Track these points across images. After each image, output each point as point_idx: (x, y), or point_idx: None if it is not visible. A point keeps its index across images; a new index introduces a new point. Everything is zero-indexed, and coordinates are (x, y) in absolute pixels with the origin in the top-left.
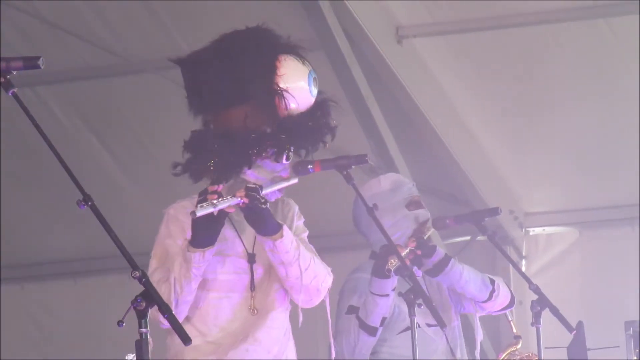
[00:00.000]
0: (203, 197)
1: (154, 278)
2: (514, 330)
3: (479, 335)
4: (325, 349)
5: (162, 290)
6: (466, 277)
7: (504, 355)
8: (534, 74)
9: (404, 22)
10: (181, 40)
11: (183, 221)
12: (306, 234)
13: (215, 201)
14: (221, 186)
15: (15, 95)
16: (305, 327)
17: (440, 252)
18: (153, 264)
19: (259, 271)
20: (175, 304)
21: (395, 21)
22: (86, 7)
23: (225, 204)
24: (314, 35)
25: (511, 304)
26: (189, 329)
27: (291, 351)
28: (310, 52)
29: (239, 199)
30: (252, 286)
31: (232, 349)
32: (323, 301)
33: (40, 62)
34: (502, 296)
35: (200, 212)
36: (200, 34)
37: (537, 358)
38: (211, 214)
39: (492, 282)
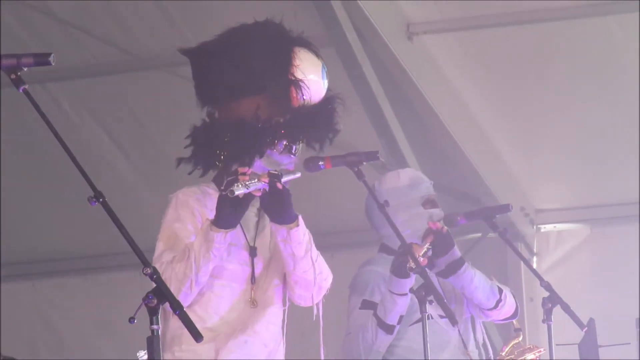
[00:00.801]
0: (234, 178)
1: (163, 259)
2: (515, 324)
3: (480, 337)
4: (329, 350)
5: (177, 270)
6: (476, 283)
7: (507, 348)
8: (544, 71)
9: (415, 19)
10: (191, 37)
11: (193, 206)
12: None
13: (248, 182)
14: (250, 169)
15: (26, 92)
16: (306, 327)
17: (457, 252)
18: (160, 246)
19: (259, 265)
20: (192, 283)
21: (406, 18)
22: (96, 4)
23: (255, 186)
24: (324, 32)
25: (514, 315)
26: (188, 313)
27: (282, 350)
28: (321, 49)
29: (264, 183)
30: (253, 279)
31: (231, 339)
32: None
33: (51, 58)
34: (508, 306)
35: (238, 191)
36: (210, 31)
37: (539, 350)
38: (237, 196)
39: (500, 291)
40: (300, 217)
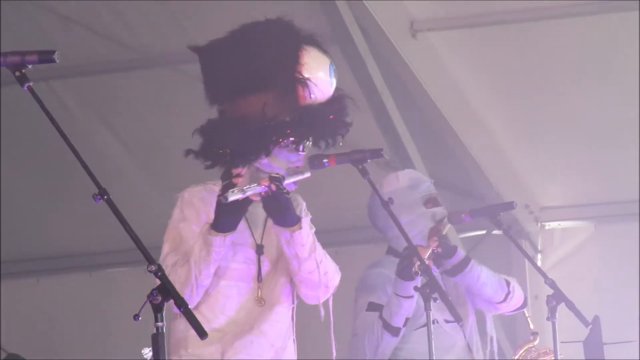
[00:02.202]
0: (229, 182)
1: (167, 262)
2: (531, 327)
3: (491, 331)
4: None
5: (179, 273)
6: (484, 279)
7: (521, 351)
8: (548, 68)
9: (419, 17)
10: (195, 35)
11: (198, 206)
12: (313, 230)
13: (245, 187)
14: (244, 170)
15: (30, 89)
16: (313, 326)
17: (461, 253)
18: (166, 247)
19: (265, 263)
20: (194, 287)
21: (410, 16)
22: (101, 2)
23: (253, 190)
24: (329, 30)
25: (523, 305)
26: (195, 314)
27: (292, 349)
28: (325, 47)
29: (264, 187)
30: (260, 277)
31: (237, 339)
32: (326, 301)
33: (55, 56)
34: (517, 298)
35: (232, 197)
36: (214, 28)
37: (553, 354)
38: (231, 202)
39: (508, 284)
40: (304, 220)
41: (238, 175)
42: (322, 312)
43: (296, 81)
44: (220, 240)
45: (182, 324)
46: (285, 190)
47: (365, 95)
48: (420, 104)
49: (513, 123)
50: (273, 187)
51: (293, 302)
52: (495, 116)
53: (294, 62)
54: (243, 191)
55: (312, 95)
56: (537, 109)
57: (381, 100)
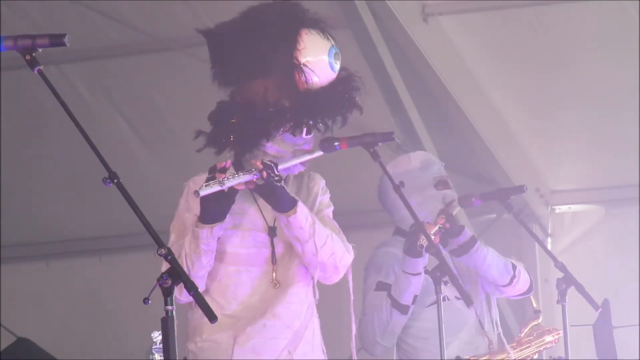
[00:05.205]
0: (212, 175)
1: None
2: (534, 305)
3: (495, 315)
4: (339, 329)
5: None
6: (489, 260)
7: (526, 329)
8: (560, 52)
9: (430, 0)
10: (207, 18)
11: None
12: (331, 209)
13: (223, 179)
14: (229, 162)
15: (41, 73)
16: (331, 303)
17: (468, 233)
18: (171, 238)
19: (279, 245)
20: None
21: None
22: None
23: (234, 181)
24: (340, 13)
25: (529, 290)
26: (208, 302)
27: (314, 326)
28: (337, 31)
29: (252, 175)
30: (274, 259)
31: (250, 325)
32: (346, 278)
33: (65, 39)
34: (522, 282)
35: (204, 192)
36: (226, 12)
37: (558, 332)
38: (222, 190)
39: (514, 267)
40: (299, 204)
41: (223, 169)
42: (317, 294)
43: (293, 67)
44: (207, 232)
45: (198, 312)
46: (277, 178)
47: (376, 79)
48: (432, 87)
49: (524, 106)
50: (264, 174)
51: (310, 281)
52: (506, 100)
53: (292, 47)
54: (221, 183)
55: (310, 80)
56: (549, 92)
57: (392, 84)
